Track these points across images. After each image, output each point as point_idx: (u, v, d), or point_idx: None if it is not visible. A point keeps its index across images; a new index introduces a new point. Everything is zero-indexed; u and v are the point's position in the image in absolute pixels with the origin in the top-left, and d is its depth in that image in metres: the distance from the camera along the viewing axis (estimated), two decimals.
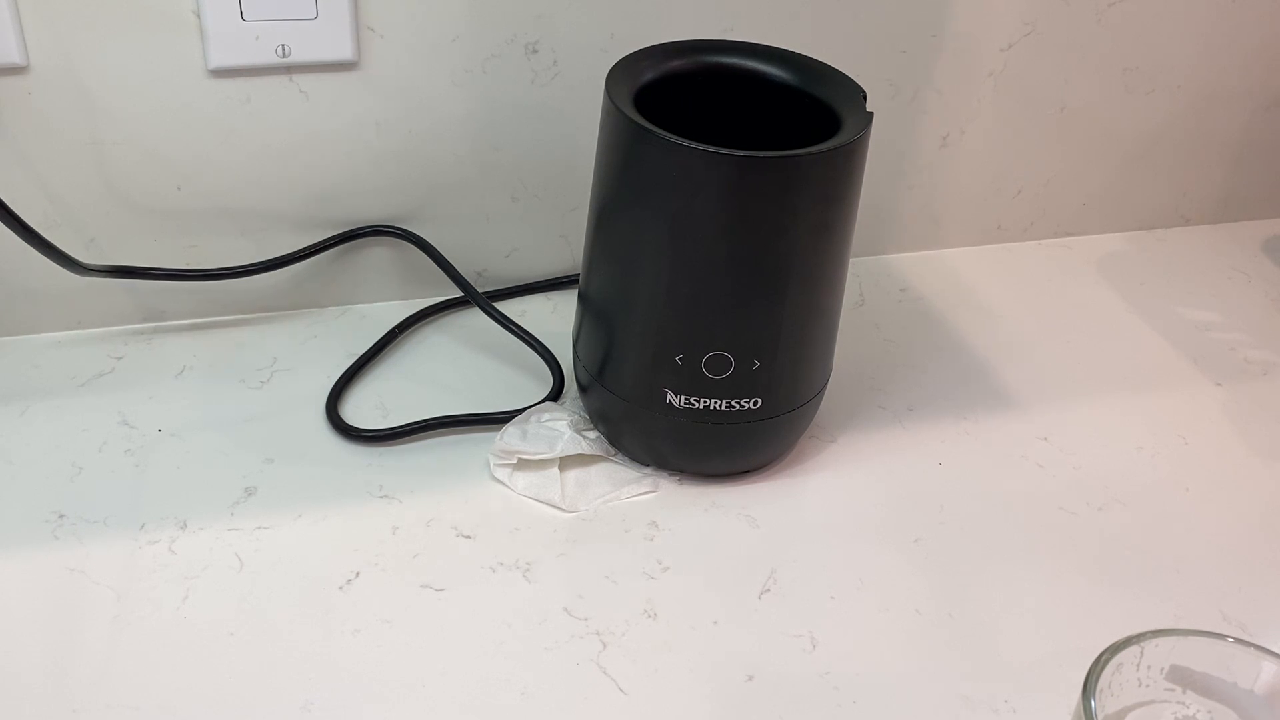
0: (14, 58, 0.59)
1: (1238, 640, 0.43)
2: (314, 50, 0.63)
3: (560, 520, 0.59)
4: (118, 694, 0.49)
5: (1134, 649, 0.43)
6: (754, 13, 0.69)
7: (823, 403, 0.63)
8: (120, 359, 0.67)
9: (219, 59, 0.62)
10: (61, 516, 0.57)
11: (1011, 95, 0.78)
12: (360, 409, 0.65)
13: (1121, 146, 0.83)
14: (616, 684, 0.51)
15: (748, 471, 0.62)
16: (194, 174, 0.66)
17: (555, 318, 0.73)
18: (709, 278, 0.54)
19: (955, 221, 0.83)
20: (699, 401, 0.57)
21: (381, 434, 0.62)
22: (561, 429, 0.62)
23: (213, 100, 0.64)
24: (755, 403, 0.58)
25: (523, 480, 0.60)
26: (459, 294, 0.72)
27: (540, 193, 0.72)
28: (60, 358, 0.67)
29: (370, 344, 0.69)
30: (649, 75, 0.57)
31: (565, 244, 0.75)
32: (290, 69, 0.64)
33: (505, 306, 0.73)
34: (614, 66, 0.57)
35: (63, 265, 0.62)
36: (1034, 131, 0.80)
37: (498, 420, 0.63)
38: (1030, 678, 0.53)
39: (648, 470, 0.62)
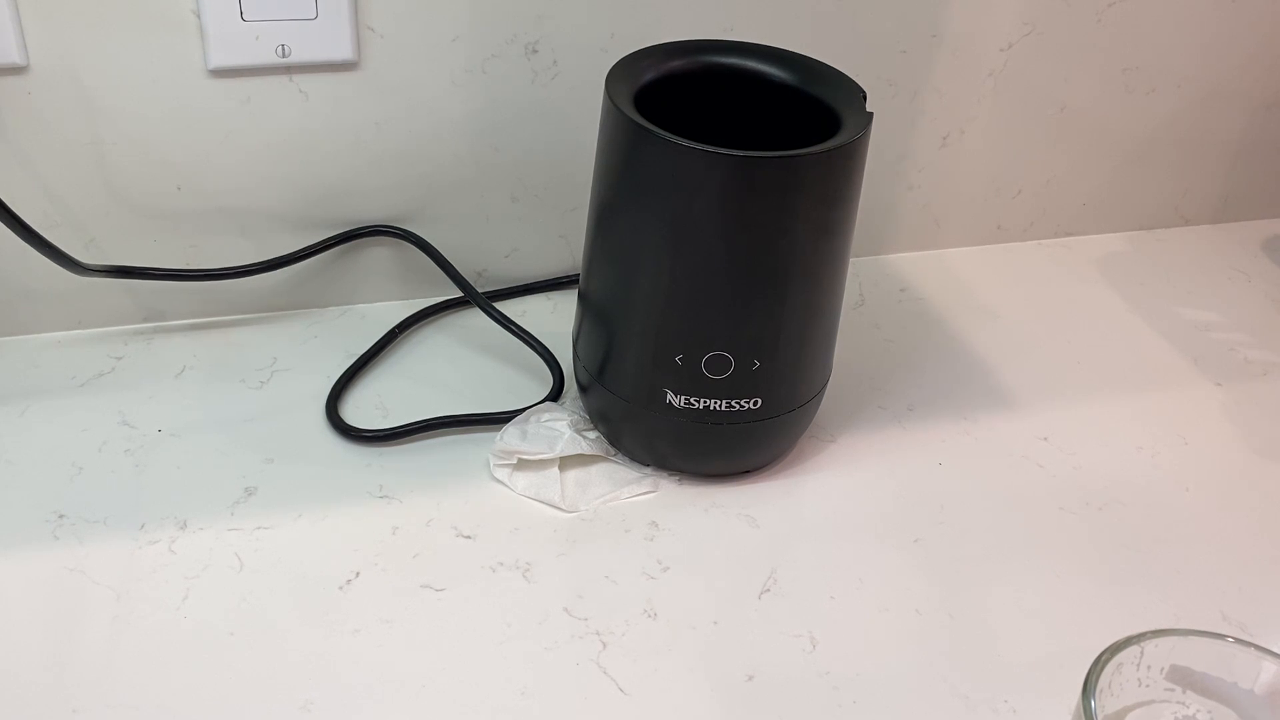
0: (14, 58, 0.59)
1: (1238, 640, 0.43)
2: (314, 50, 0.63)
3: (560, 520, 0.59)
4: (118, 694, 0.49)
5: (1134, 649, 0.43)
6: (754, 13, 0.69)
7: (823, 403, 0.63)
8: (120, 359, 0.67)
9: (219, 59, 0.62)
10: (61, 516, 0.57)
11: (1011, 95, 0.78)
12: (360, 409, 0.65)
13: (1121, 146, 0.83)
14: (616, 684, 0.51)
15: (748, 471, 0.62)
16: (194, 174, 0.66)
17: (555, 318, 0.73)
18: (709, 278, 0.54)
19: (955, 221, 0.83)
20: (699, 401, 0.57)
21: (381, 434, 0.62)
22: (561, 429, 0.62)
23: (213, 100, 0.64)
24: (755, 403, 0.58)
25: (523, 480, 0.60)
26: (459, 294, 0.72)
27: (540, 193, 0.72)
28: (60, 358, 0.67)
29: (370, 344, 0.69)
30: (649, 75, 0.57)
31: (565, 244, 0.75)
32: (290, 69, 0.64)
33: (505, 306, 0.73)
34: (614, 66, 0.57)
35: (63, 265, 0.62)
36: (1034, 131, 0.80)
37: (498, 420, 0.63)
38: (1030, 678, 0.53)
39: (648, 470, 0.62)
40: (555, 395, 0.66)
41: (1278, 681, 0.43)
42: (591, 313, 0.60)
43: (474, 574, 0.56)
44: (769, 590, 0.56)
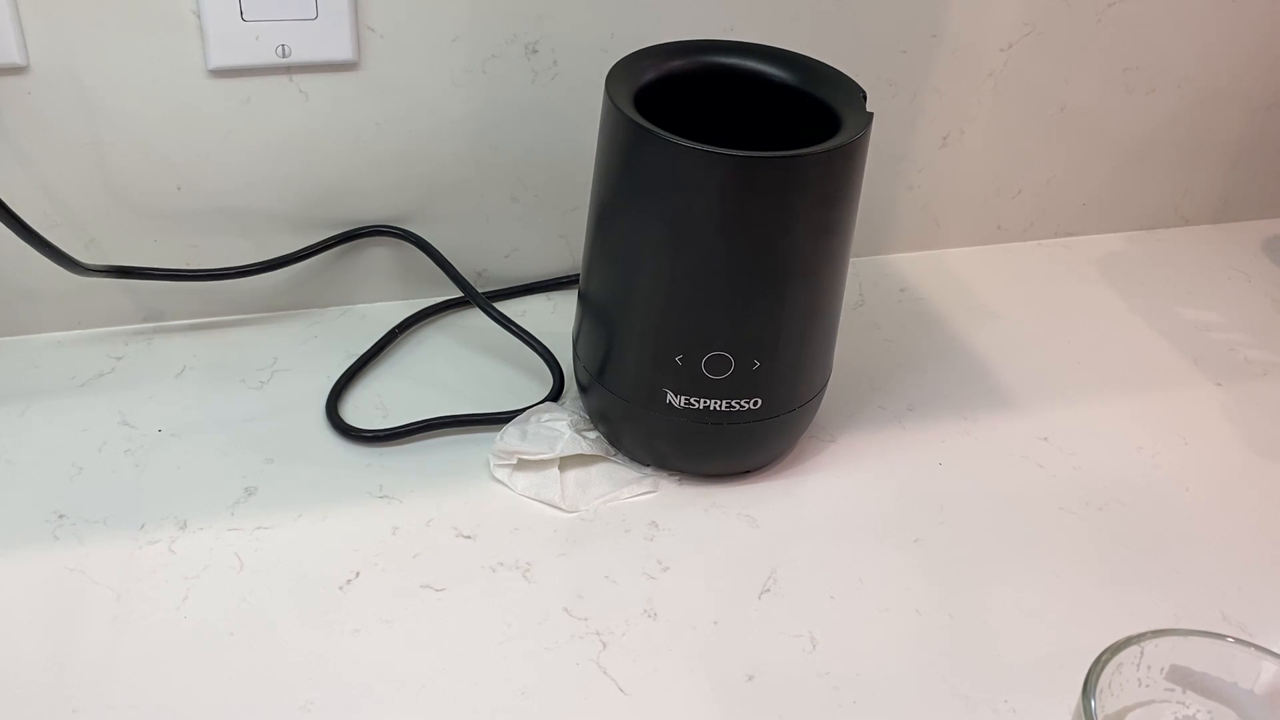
0: (14, 58, 0.59)
1: (1238, 640, 0.43)
2: (314, 50, 0.63)
3: (560, 520, 0.59)
4: (118, 694, 0.49)
5: (1134, 649, 0.43)
6: (754, 13, 0.69)
7: (823, 403, 0.63)
8: (120, 359, 0.67)
9: (219, 59, 0.62)
10: (61, 516, 0.57)
11: (1011, 95, 0.78)
12: (360, 409, 0.65)
13: (1121, 146, 0.83)
14: (616, 684, 0.51)
15: (748, 471, 0.62)
16: (194, 174, 0.66)
17: (555, 318, 0.73)
18: (709, 278, 0.54)
19: (955, 221, 0.83)
20: (699, 401, 0.57)
21: (381, 434, 0.62)
22: (561, 429, 0.62)
23: (213, 100, 0.64)
24: (755, 403, 0.58)
25: (523, 480, 0.60)
26: (459, 294, 0.72)
27: (540, 193, 0.72)
28: (60, 358, 0.67)
29: (370, 344, 0.69)
30: (649, 75, 0.57)
31: (565, 244, 0.75)
32: (290, 69, 0.64)
33: (505, 306, 0.73)
34: (614, 66, 0.57)
35: (63, 265, 0.62)
36: (1034, 131, 0.80)
37: (498, 420, 0.63)
38: (1030, 678, 0.53)
39: (648, 470, 0.62)
40: (555, 395, 0.66)
41: (1278, 681, 0.43)
42: (591, 313, 0.60)
43: (474, 574, 0.56)
44: (769, 590, 0.56)
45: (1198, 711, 0.44)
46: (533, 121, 0.69)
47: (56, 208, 0.64)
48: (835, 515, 0.61)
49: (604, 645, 0.53)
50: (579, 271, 0.62)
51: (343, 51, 0.64)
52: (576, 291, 0.63)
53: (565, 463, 0.61)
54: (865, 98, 0.57)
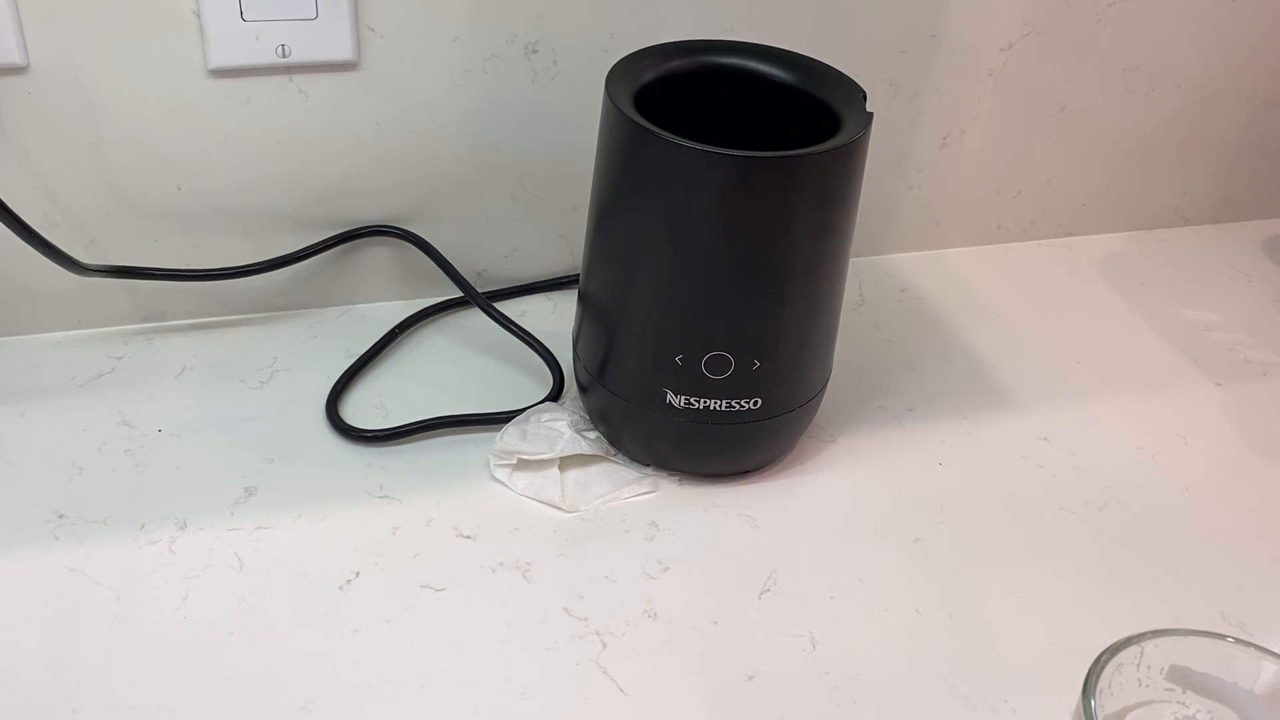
0: (14, 58, 0.59)
1: (1238, 640, 0.43)
2: (314, 50, 0.63)
3: (560, 520, 0.59)
4: (118, 694, 0.49)
5: (1134, 649, 0.43)
6: (754, 13, 0.69)
7: (823, 403, 0.63)
8: (120, 359, 0.67)
9: (219, 59, 0.62)
10: (61, 516, 0.57)
11: (1011, 95, 0.78)
12: (360, 409, 0.65)
13: (1121, 146, 0.83)
14: (616, 684, 0.51)
15: (748, 471, 0.62)
16: (194, 174, 0.66)
17: (555, 318, 0.73)
18: (709, 278, 0.54)
19: (955, 221, 0.83)
20: (699, 401, 0.57)
21: (381, 434, 0.62)
22: (561, 429, 0.62)
23: (213, 100, 0.64)
24: (755, 403, 0.58)
25: (523, 480, 0.60)
26: (459, 294, 0.72)
27: (540, 193, 0.72)
28: (60, 358, 0.67)
29: (370, 344, 0.69)
30: (649, 75, 0.57)
31: (565, 244, 0.75)
32: (290, 69, 0.64)
33: (505, 306, 0.73)
34: (614, 66, 0.57)
35: (63, 265, 0.62)
36: (1034, 131, 0.80)
37: (498, 420, 0.63)
38: (1030, 678, 0.53)
39: (648, 470, 0.62)
40: (555, 395, 0.66)
41: (1278, 681, 0.43)
42: (591, 313, 0.60)
43: (474, 574, 0.56)
44: (769, 590, 0.56)
45: (1198, 711, 0.44)
46: (533, 121, 0.69)
47: (56, 208, 0.64)
48: (835, 515, 0.61)
49: (604, 645, 0.53)
50: (579, 271, 0.62)
51: (343, 51, 0.64)
52: (576, 291, 0.63)
53: (565, 463, 0.61)
54: (865, 98, 0.57)
